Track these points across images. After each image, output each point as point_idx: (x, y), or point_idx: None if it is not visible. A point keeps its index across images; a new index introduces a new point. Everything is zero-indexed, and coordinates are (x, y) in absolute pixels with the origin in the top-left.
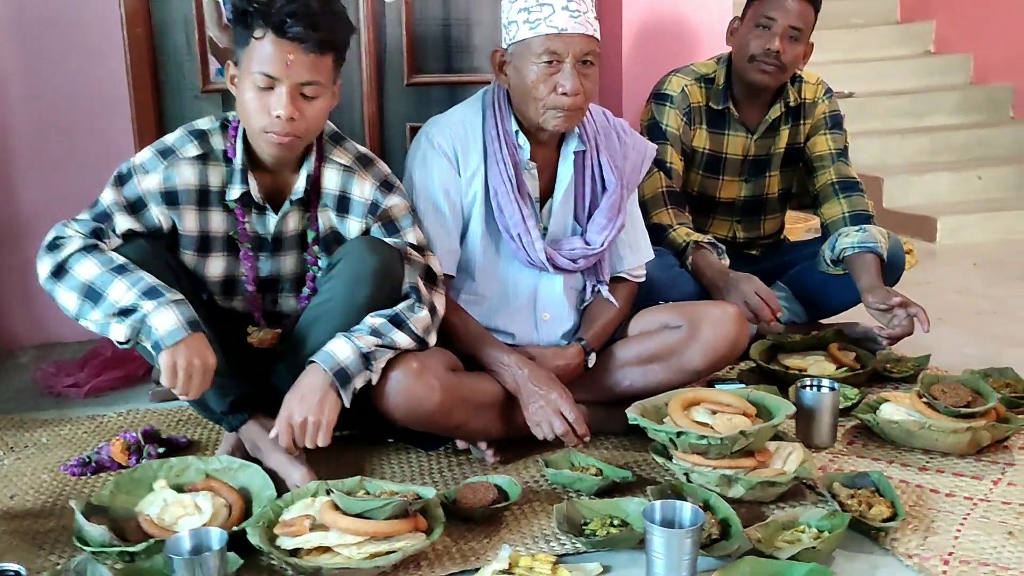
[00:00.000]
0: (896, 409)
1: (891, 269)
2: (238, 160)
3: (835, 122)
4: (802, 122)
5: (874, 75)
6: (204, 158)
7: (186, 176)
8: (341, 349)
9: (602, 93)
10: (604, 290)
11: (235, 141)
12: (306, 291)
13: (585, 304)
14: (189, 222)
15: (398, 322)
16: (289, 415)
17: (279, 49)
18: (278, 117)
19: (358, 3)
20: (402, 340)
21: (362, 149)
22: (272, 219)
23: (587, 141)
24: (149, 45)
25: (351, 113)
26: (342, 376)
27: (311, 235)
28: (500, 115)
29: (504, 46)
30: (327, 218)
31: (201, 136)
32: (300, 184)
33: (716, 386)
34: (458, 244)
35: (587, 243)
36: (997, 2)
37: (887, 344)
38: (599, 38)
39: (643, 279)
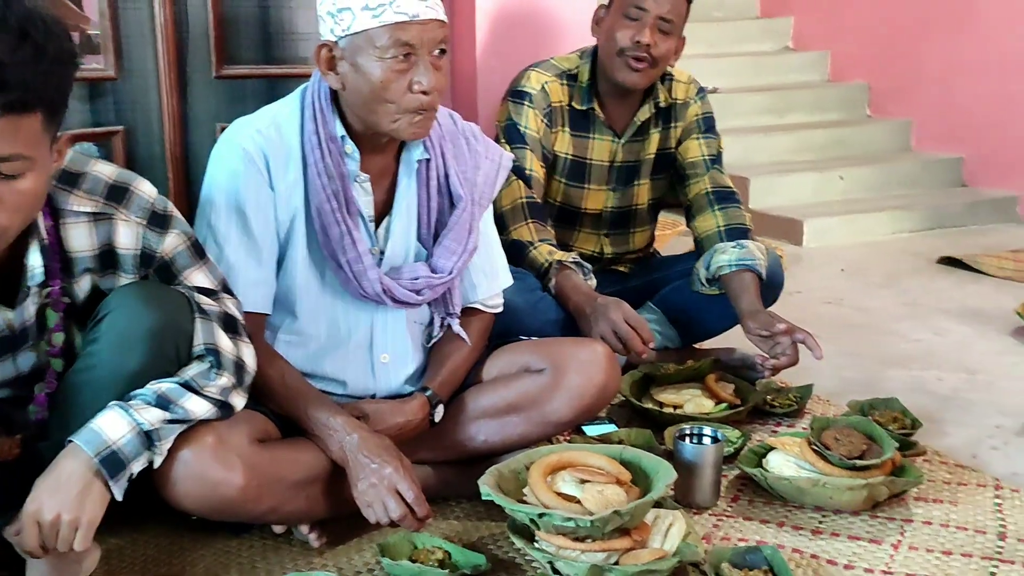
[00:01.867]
0: (785, 461)
1: (770, 288)
2: None
3: (708, 125)
4: (673, 125)
5: (736, 70)
6: None
7: None
8: (113, 426)
9: (454, 90)
10: (455, 324)
11: None
12: (40, 389)
13: (432, 341)
14: None
15: (191, 388)
16: (37, 510)
17: None
18: None
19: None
20: (198, 408)
21: (108, 175)
22: (5, 314)
23: (431, 148)
24: None
25: (147, 112)
26: (112, 462)
27: (52, 318)
28: (322, 117)
29: (332, 38)
30: (87, 284)
31: None
32: (35, 263)
33: (584, 427)
34: (273, 274)
35: (433, 270)
36: (852, 0)
37: (769, 375)
38: (447, 21)
39: (500, 309)
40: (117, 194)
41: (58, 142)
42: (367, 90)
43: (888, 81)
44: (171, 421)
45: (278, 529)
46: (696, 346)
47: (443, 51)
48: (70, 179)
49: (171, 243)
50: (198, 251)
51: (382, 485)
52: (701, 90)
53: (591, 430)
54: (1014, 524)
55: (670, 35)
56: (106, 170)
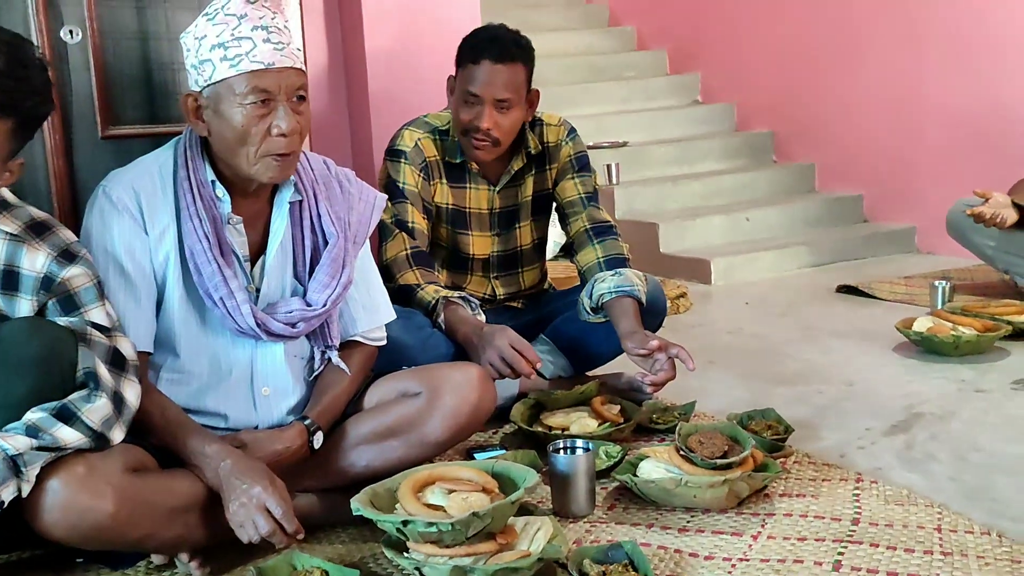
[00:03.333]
0: (655, 466)
1: (652, 313)
2: None
3: (582, 164)
4: (548, 167)
5: (646, 125)
6: None
7: None
8: None
9: (354, 149)
10: (334, 356)
11: None
12: None
13: (315, 374)
14: None
15: (67, 415)
16: None
17: None
18: None
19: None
20: (70, 437)
21: (39, 215)
22: None
23: (303, 190)
24: None
25: (33, 172)
26: None
27: None
28: (192, 164)
29: (197, 89)
30: None
31: None
32: None
33: (475, 455)
34: (152, 314)
35: (308, 304)
36: (754, 55)
37: (652, 392)
38: (306, 70)
39: (383, 342)
40: (38, 228)
41: (12, 162)
42: (229, 135)
43: (791, 128)
44: (39, 448)
45: (158, 559)
46: (589, 373)
47: (301, 97)
48: (3, 204)
49: (75, 274)
50: (101, 292)
51: (251, 504)
52: (572, 130)
53: (481, 456)
54: (868, 510)
55: (511, 108)
56: (38, 211)
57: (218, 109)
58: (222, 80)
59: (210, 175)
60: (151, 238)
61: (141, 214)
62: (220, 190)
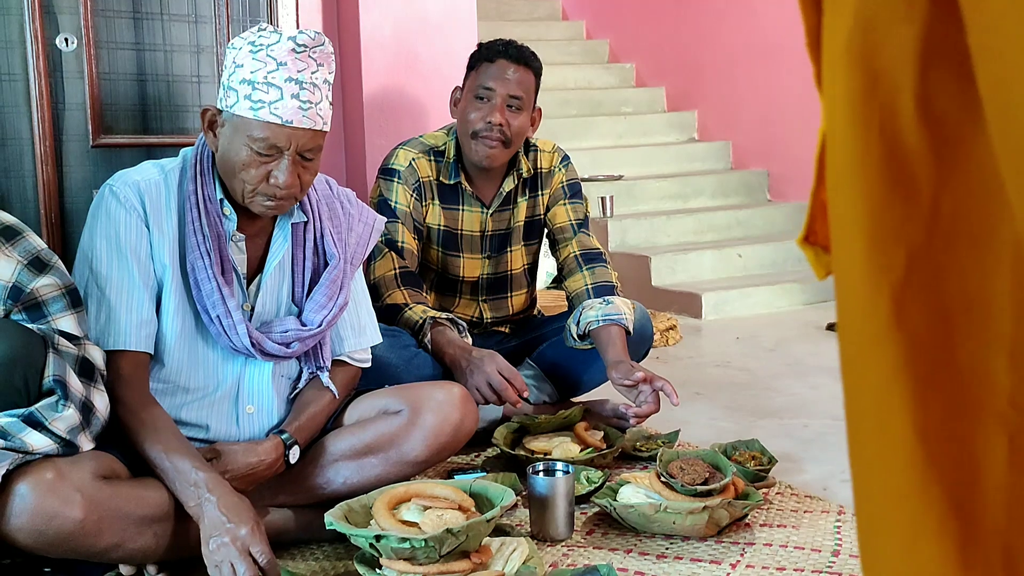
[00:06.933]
0: (635, 492)
1: (639, 341)
2: None
3: (574, 191)
4: (540, 193)
5: (643, 160)
6: None
7: None
8: None
9: (349, 168)
10: (325, 377)
11: None
12: None
13: (296, 391)
14: None
15: (34, 422)
16: None
17: None
18: None
19: (27, 49)
20: (38, 442)
21: (6, 220)
22: None
23: (309, 211)
24: None
25: (21, 179)
26: None
27: None
28: (202, 179)
29: (219, 107)
30: None
31: None
32: None
33: (455, 476)
34: (154, 315)
35: (303, 323)
36: (751, 95)
37: (636, 423)
38: (328, 128)
39: (367, 364)
40: (7, 233)
41: None
42: (230, 163)
43: (786, 167)
44: (6, 449)
45: (126, 570)
46: (573, 400)
47: (309, 157)
48: None
49: (44, 284)
50: (73, 301)
51: (235, 546)
52: (565, 157)
53: (462, 478)
54: (849, 542)
55: (521, 111)
56: (6, 216)
57: (230, 136)
58: (240, 116)
59: (219, 193)
60: (153, 244)
61: (146, 217)
62: (228, 208)
